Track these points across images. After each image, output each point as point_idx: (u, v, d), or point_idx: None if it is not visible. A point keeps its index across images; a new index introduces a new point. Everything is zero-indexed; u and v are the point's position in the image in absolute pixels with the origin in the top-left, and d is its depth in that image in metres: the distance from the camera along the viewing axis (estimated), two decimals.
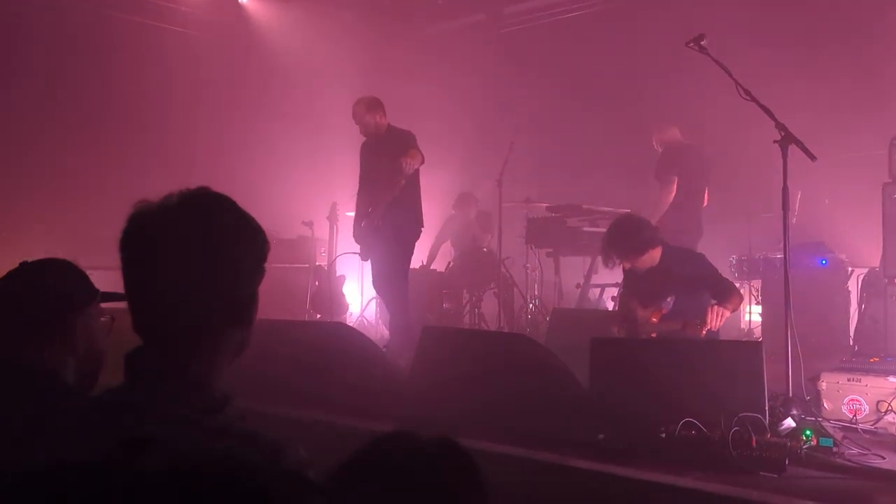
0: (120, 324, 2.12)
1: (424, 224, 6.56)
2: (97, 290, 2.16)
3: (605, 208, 7.38)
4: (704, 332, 4.40)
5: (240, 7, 10.42)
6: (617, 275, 6.71)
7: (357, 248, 6.69)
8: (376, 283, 6.57)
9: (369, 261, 6.65)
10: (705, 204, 7.17)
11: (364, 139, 6.59)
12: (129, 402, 1.45)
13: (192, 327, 1.48)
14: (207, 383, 1.48)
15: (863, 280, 6.17)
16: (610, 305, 7.69)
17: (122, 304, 2.10)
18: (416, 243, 6.60)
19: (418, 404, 4.34)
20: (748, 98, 4.31)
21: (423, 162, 6.22)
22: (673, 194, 6.89)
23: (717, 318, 4.40)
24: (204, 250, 1.47)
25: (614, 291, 7.43)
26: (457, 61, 10.54)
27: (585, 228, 7.42)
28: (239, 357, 1.60)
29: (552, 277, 7.97)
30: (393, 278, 6.35)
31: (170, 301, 1.47)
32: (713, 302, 4.54)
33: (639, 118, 7.76)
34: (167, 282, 1.46)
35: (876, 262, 5.90)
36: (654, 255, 4.92)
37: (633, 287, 5.16)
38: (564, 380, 4.06)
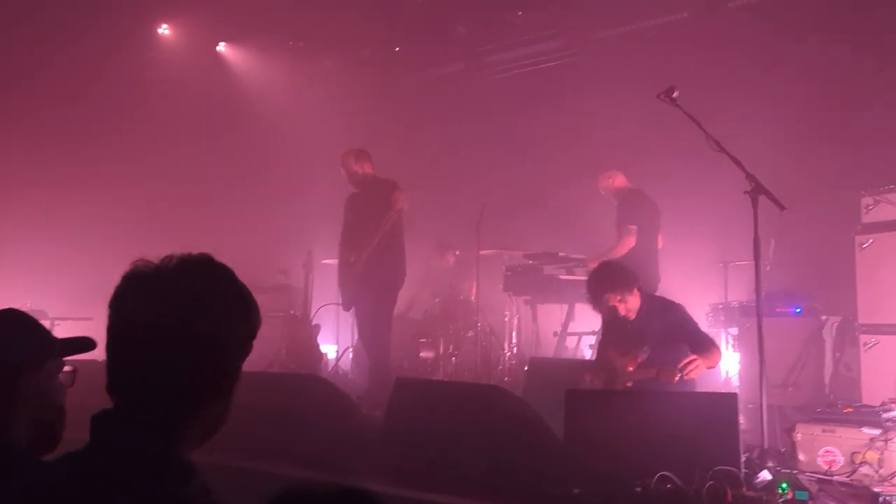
0: (86, 377, 2.02)
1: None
2: (55, 343, 2.00)
3: (582, 256, 7.39)
4: (677, 378, 4.38)
5: (217, 56, 10.47)
6: (594, 323, 6.71)
7: (337, 297, 6.69)
8: (361, 332, 6.59)
9: (350, 310, 6.65)
10: (660, 247, 7.23)
11: (350, 192, 6.69)
12: (90, 468, 1.39)
13: (168, 396, 1.43)
14: (175, 455, 1.42)
15: (837, 328, 6.19)
16: (588, 354, 7.67)
17: (87, 356, 2.02)
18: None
19: (391, 457, 4.27)
20: (718, 149, 4.37)
21: (407, 204, 6.33)
22: (631, 245, 6.90)
23: (693, 369, 4.37)
24: (194, 319, 1.44)
25: (592, 339, 7.42)
26: (436, 109, 10.63)
27: (562, 276, 7.41)
28: (214, 434, 1.54)
29: (530, 325, 7.94)
30: (376, 327, 6.35)
31: (150, 366, 1.42)
32: (690, 355, 4.52)
33: (619, 168, 7.80)
34: (151, 345, 1.42)
35: (850, 310, 5.93)
36: (635, 302, 4.92)
37: (611, 335, 5.15)
38: (539, 432, 4.02)
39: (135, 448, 1.39)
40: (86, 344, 2.01)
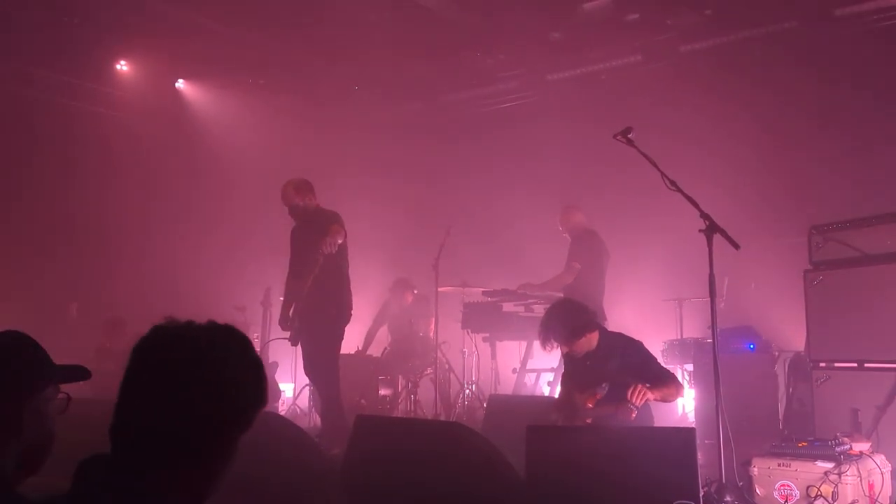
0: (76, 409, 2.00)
1: (357, 309, 6.48)
2: (55, 368, 1.97)
3: (541, 293, 7.45)
4: (634, 415, 4.42)
5: (177, 93, 10.42)
6: (552, 360, 6.76)
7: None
8: (307, 370, 6.42)
9: (297, 345, 6.46)
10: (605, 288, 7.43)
11: (294, 223, 6.52)
12: None
13: (168, 450, 1.45)
14: None
15: (789, 364, 6.31)
16: (546, 391, 7.70)
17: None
18: (350, 328, 6.49)
19: (351, 497, 4.22)
20: (674, 188, 4.46)
21: (345, 237, 6.15)
22: (571, 280, 7.24)
23: (637, 396, 4.43)
24: (213, 380, 1.50)
25: (550, 376, 7.47)
26: (393, 147, 10.69)
27: (521, 313, 7.47)
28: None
29: (489, 362, 7.95)
30: (322, 365, 6.22)
31: (161, 416, 1.46)
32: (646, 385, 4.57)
33: (577, 206, 7.91)
34: (168, 396, 1.46)
35: (801, 345, 6.05)
36: (592, 339, 4.95)
37: (571, 372, 5.18)
38: (500, 469, 4.01)
39: (126, 500, 1.39)
40: (82, 372, 2.03)
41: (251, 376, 1.57)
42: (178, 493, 1.47)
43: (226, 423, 1.52)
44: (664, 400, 4.78)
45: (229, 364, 1.53)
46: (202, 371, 1.48)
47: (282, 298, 6.62)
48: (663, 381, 4.68)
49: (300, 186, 6.37)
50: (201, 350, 1.50)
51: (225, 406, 1.50)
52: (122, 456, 1.45)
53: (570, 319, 4.92)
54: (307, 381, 8.19)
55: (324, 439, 5.83)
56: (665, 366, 6.70)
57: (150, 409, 1.46)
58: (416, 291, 9.03)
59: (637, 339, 5.09)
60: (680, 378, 7.04)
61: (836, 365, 5.47)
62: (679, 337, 7.58)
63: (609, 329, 5.51)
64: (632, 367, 4.81)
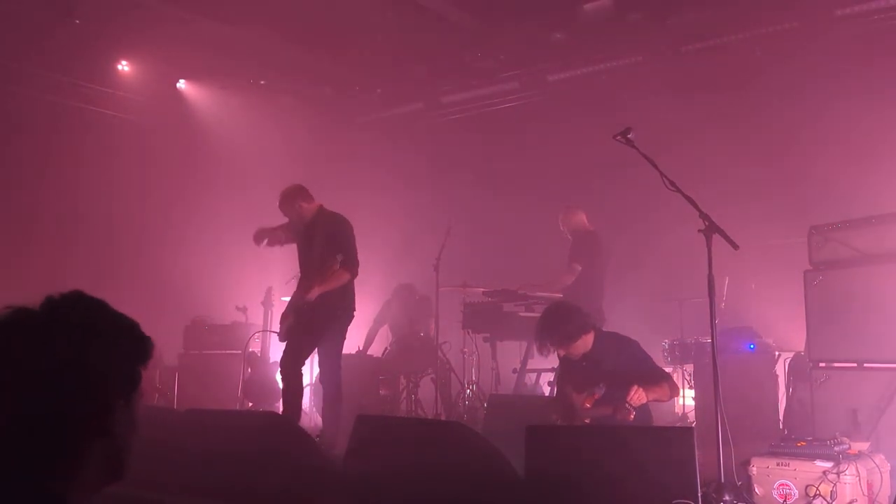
0: None
1: (357, 309, 6.48)
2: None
3: (541, 293, 7.47)
4: (632, 416, 4.44)
5: (178, 93, 10.44)
6: (552, 360, 6.76)
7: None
8: (283, 363, 6.19)
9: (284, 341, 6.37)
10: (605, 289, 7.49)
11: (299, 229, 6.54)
12: None
13: (46, 440, 1.38)
14: (62, 500, 1.37)
15: (789, 364, 6.32)
16: (546, 390, 7.71)
17: None
18: (350, 328, 6.49)
19: (351, 496, 4.23)
20: (673, 189, 4.46)
21: (354, 276, 6.13)
22: (571, 281, 7.29)
23: (635, 398, 4.45)
24: (61, 357, 1.39)
25: (550, 376, 7.48)
26: (394, 147, 10.71)
27: (521, 314, 7.48)
28: (118, 478, 1.48)
29: (489, 362, 7.96)
30: (325, 364, 6.23)
31: (15, 411, 1.37)
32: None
33: (577, 206, 7.93)
34: (23, 390, 1.37)
35: (801, 346, 6.05)
36: (587, 341, 4.97)
37: (568, 373, 5.19)
38: (500, 469, 4.02)
39: (16, 498, 1.34)
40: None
41: (110, 338, 1.45)
42: (80, 476, 1.41)
43: (95, 395, 1.42)
44: (658, 400, 4.80)
45: (74, 336, 1.41)
46: (52, 354, 1.38)
47: (285, 298, 6.62)
48: (656, 381, 4.71)
49: (290, 194, 6.32)
50: (45, 333, 1.40)
51: (92, 378, 1.41)
52: (13, 460, 1.38)
53: (565, 323, 4.94)
54: (308, 380, 8.20)
55: (324, 439, 5.84)
56: (666, 366, 6.75)
57: (13, 412, 1.37)
58: (417, 297, 9.01)
59: (634, 338, 5.11)
60: (681, 378, 7.06)
61: (836, 365, 5.47)
62: (680, 337, 7.59)
63: (607, 329, 5.52)
64: (627, 366, 4.83)
